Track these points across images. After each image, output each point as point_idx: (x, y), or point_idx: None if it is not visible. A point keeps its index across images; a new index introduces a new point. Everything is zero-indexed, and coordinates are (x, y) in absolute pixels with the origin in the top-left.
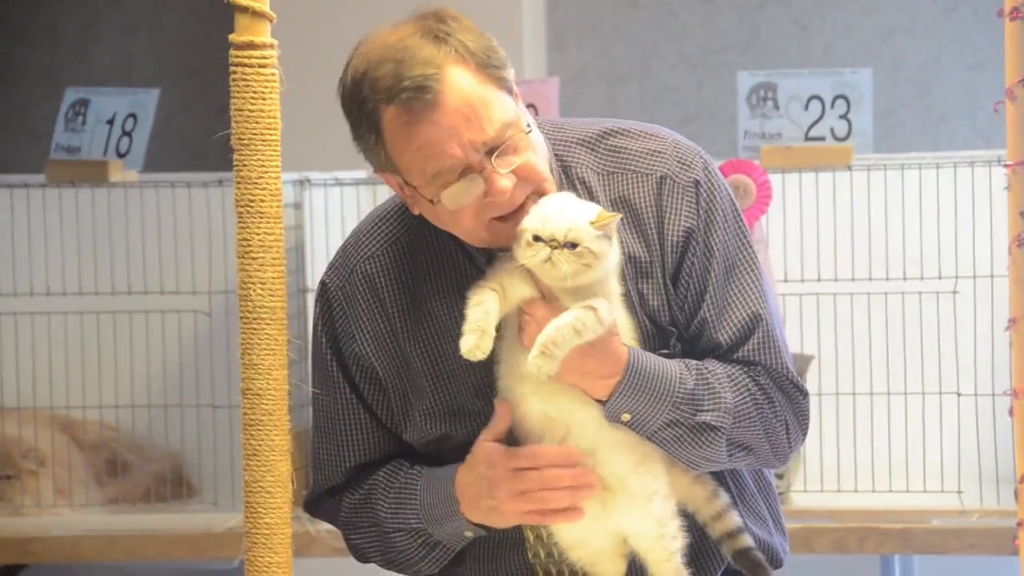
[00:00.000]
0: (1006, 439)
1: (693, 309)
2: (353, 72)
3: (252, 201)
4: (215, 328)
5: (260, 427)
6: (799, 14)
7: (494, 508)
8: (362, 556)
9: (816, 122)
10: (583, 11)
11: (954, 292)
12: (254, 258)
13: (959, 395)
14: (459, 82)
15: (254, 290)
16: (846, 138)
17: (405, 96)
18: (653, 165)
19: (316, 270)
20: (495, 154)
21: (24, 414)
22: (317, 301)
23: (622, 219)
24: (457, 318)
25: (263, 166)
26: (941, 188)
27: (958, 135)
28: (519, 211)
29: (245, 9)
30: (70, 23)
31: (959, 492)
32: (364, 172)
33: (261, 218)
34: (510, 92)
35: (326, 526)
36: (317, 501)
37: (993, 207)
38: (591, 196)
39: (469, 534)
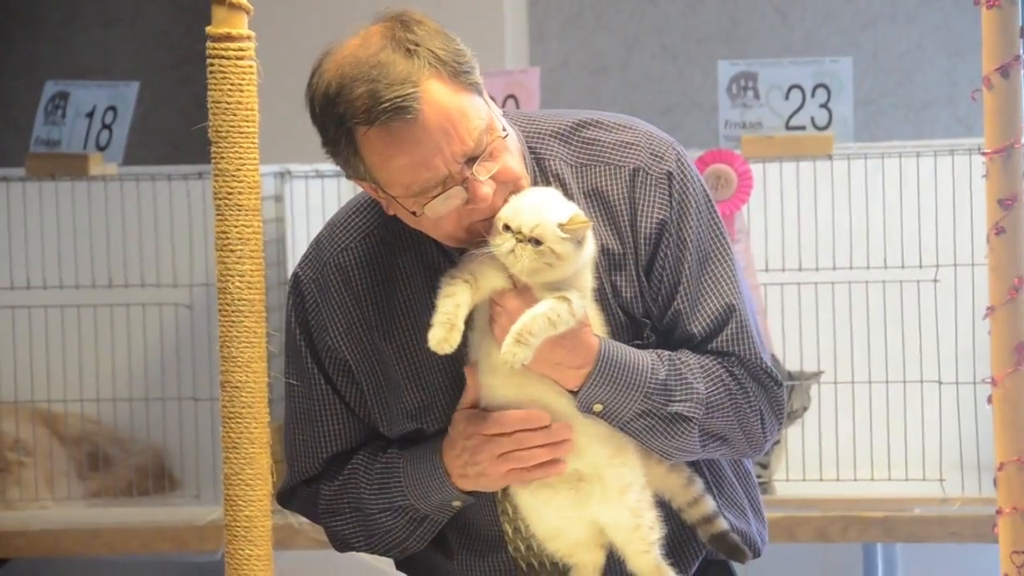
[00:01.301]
0: (987, 427)
1: (667, 301)
2: (326, 88)
3: (230, 194)
4: (196, 321)
5: (239, 420)
6: (780, 3)
7: (481, 473)
8: (343, 543)
9: (796, 111)
10: (564, 1)
11: (935, 280)
12: (232, 251)
13: (940, 383)
14: (437, 97)
15: (233, 283)
16: (826, 127)
17: (385, 118)
18: (626, 157)
19: (296, 263)
20: (476, 162)
21: (5, 408)
22: (290, 294)
23: (596, 211)
24: (431, 312)
25: (241, 159)
26: (922, 176)
27: (940, 123)
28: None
29: (222, 1)
30: (50, 16)
31: (941, 480)
32: None
33: (239, 211)
34: (480, 93)
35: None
36: (291, 492)
37: (973, 195)
38: (565, 189)
39: (457, 504)
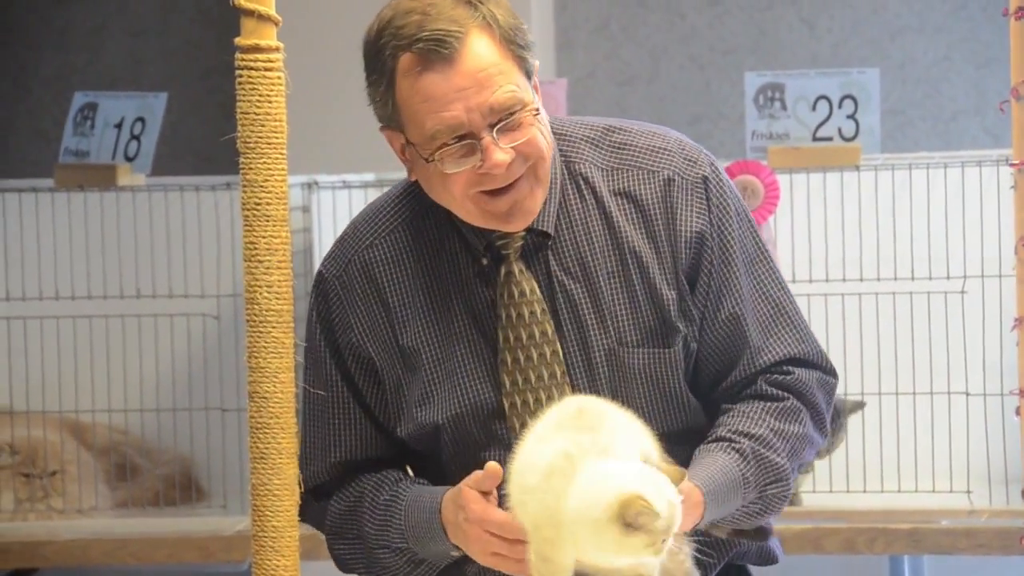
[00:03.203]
0: (1014, 439)
1: (715, 306)
2: (379, 20)
3: (258, 204)
4: (223, 331)
5: (267, 430)
6: (807, 14)
7: (471, 551)
8: (344, 566)
9: (824, 122)
10: (591, 12)
11: (962, 292)
12: (260, 261)
13: (968, 395)
14: (478, 46)
15: (260, 293)
16: (854, 138)
17: (423, 46)
18: (659, 162)
19: (321, 261)
20: (498, 126)
21: (33, 418)
22: (313, 292)
23: (626, 212)
24: (455, 311)
25: (269, 169)
26: (949, 188)
27: (968, 134)
28: (511, 188)
29: (251, 12)
30: (79, 27)
31: (968, 492)
32: (372, 174)
33: (267, 221)
34: (528, 76)
35: None
36: (304, 503)
37: (1001, 206)
38: (593, 191)
39: (456, 554)
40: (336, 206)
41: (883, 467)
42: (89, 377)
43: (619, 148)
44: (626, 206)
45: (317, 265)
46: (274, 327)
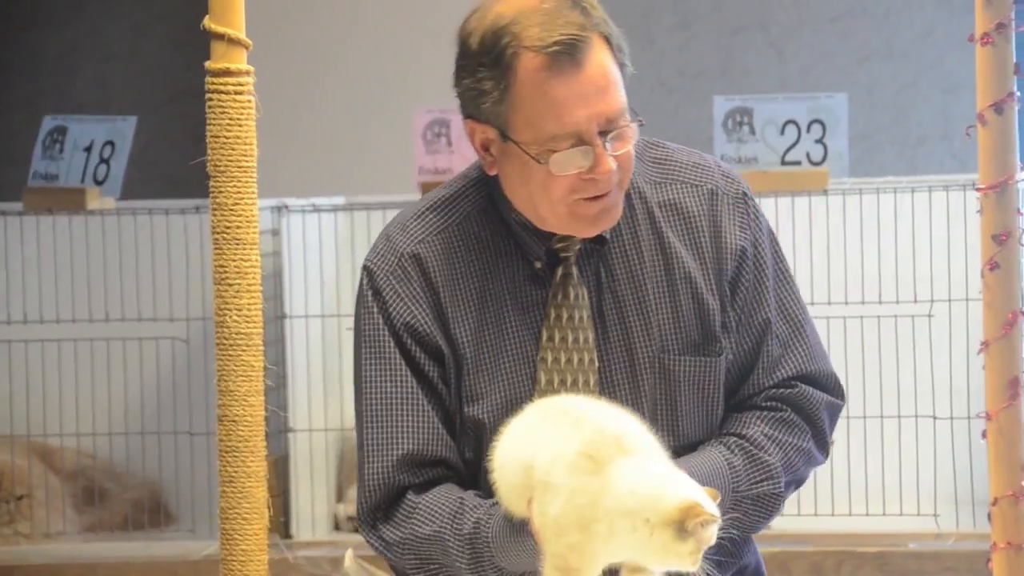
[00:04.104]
0: (981, 462)
1: (748, 317)
2: (497, 17)
3: (228, 228)
4: (193, 355)
5: (236, 454)
6: (775, 39)
7: None
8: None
9: (792, 146)
10: None
11: (929, 316)
12: (230, 285)
13: (935, 418)
14: (600, 55)
15: (230, 317)
16: (822, 162)
17: (553, 50)
18: (701, 177)
19: (294, 296)
20: (610, 136)
21: (0, 442)
22: (364, 288)
23: (672, 223)
24: (506, 310)
25: (239, 193)
26: (916, 212)
27: (934, 158)
28: (605, 195)
29: (221, 36)
30: (48, 51)
31: (935, 515)
32: (342, 198)
33: (237, 245)
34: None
35: (304, 552)
36: (372, 514)
37: (968, 231)
38: (643, 202)
39: None
40: (306, 229)
41: (851, 490)
42: (57, 401)
43: (661, 162)
44: (672, 218)
45: (287, 288)
46: (244, 350)
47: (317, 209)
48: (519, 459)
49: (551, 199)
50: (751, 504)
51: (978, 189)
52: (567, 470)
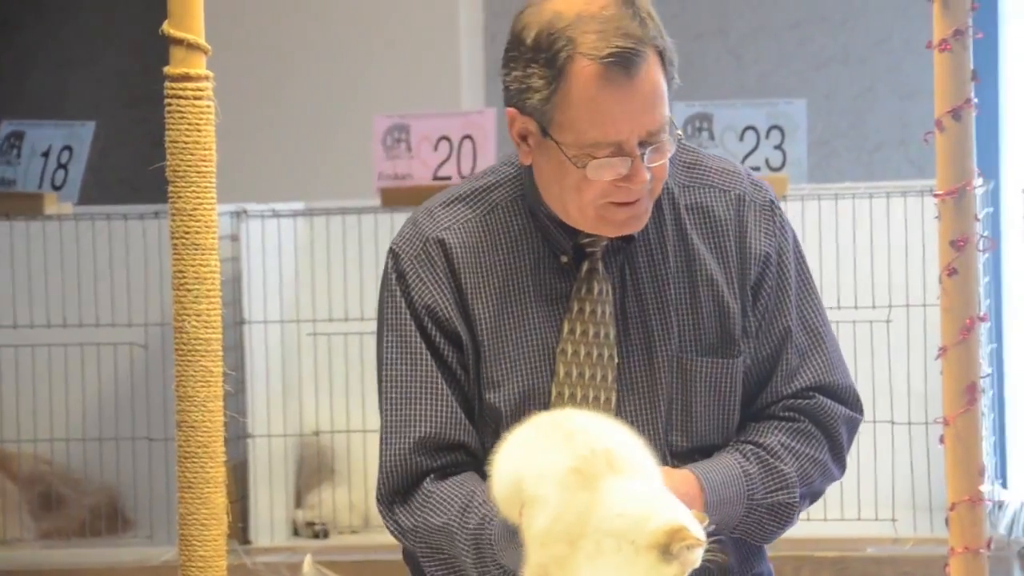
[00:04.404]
0: (939, 467)
1: (769, 325)
2: (554, 17)
3: (187, 233)
4: (151, 360)
5: (195, 459)
6: (734, 45)
7: None
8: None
9: (751, 152)
10: None
11: (888, 321)
12: (189, 290)
13: (893, 423)
14: (653, 70)
15: (189, 322)
16: (781, 168)
17: (608, 60)
18: (730, 182)
19: (253, 302)
20: (649, 148)
21: None
22: (389, 271)
23: (698, 226)
24: (528, 301)
25: (198, 198)
26: (874, 217)
27: (892, 164)
28: (633, 203)
29: (180, 41)
30: (6, 55)
31: (893, 520)
32: (301, 203)
33: (196, 250)
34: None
35: (263, 558)
36: (390, 497)
37: (925, 236)
38: (672, 203)
39: None
40: (265, 234)
41: None
42: (14, 406)
43: (691, 167)
44: (699, 221)
45: (245, 293)
46: (203, 356)
47: (276, 214)
48: (511, 471)
49: (582, 200)
50: (765, 513)
51: (936, 195)
52: (556, 484)
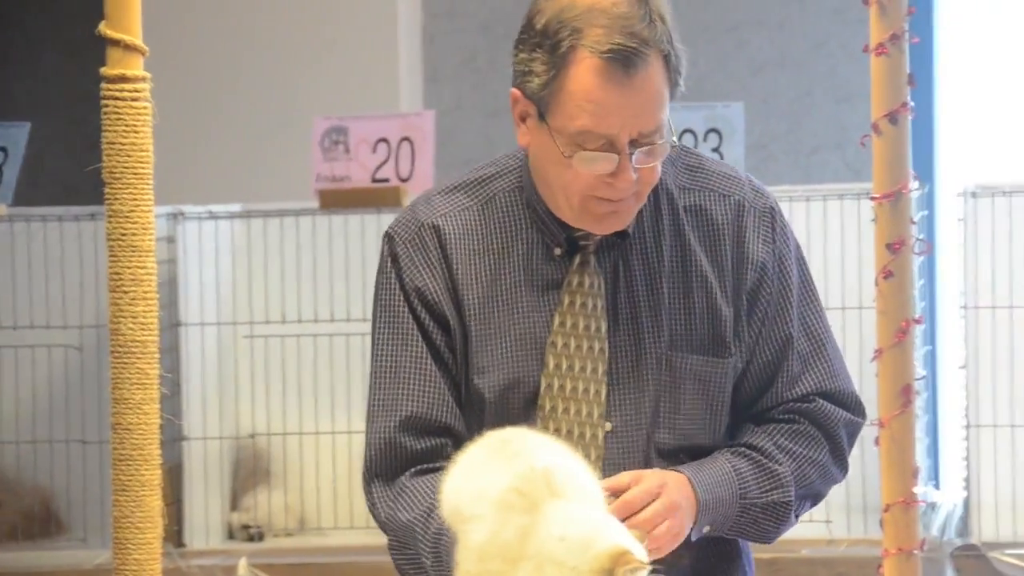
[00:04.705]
0: (872, 469)
1: (769, 332)
2: (567, 7)
3: (124, 235)
4: (86, 363)
5: (130, 462)
6: None
7: None
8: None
9: None
10: (459, 45)
11: None
12: (125, 292)
13: None
14: (654, 72)
15: (125, 324)
16: None
17: (608, 56)
18: (730, 187)
19: (189, 304)
20: (640, 149)
21: None
22: (385, 255)
23: (696, 228)
24: (519, 290)
25: (135, 199)
26: (811, 221)
27: (829, 168)
28: (618, 202)
29: (117, 43)
30: None
31: (827, 522)
32: (239, 205)
33: (133, 252)
34: (669, 103)
35: (198, 561)
36: (373, 474)
37: (861, 239)
38: (670, 203)
39: None
40: (202, 236)
41: None
42: None
43: (693, 169)
44: (697, 223)
45: (182, 296)
46: (139, 358)
47: (213, 216)
48: (454, 489)
49: (568, 190)
50: (760, 512)
51: (873, 198)
52: (495, 503)
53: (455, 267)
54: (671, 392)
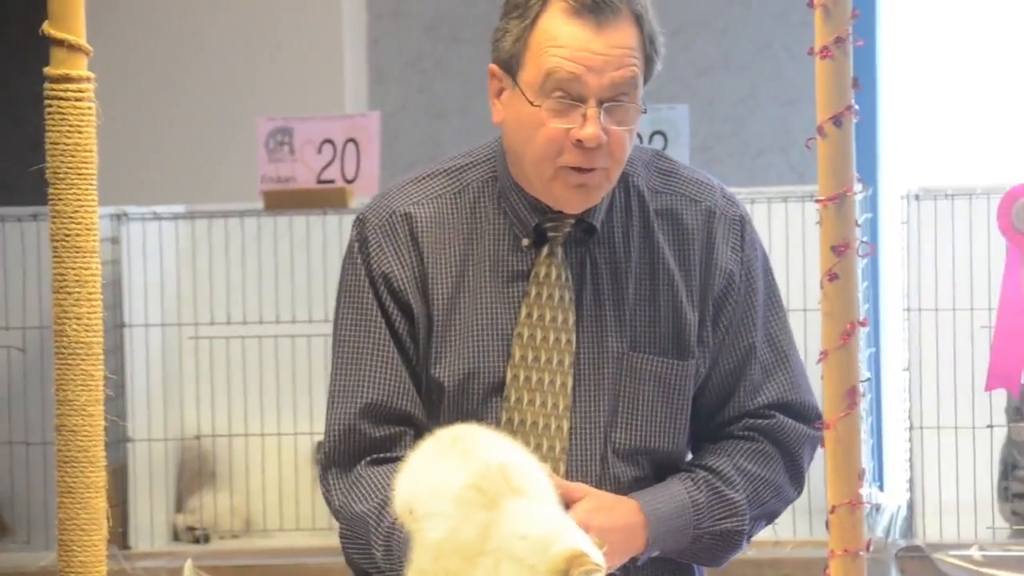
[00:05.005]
0: (819, 471)
1: (734, 339)
2: None
3: (68, 236)
4: (29, 364)
5: (75, 464)
6: None
7: None
8: (358, 570)
9: None
10: (405, 46)
11: None
12: (69, 293)
13: None
14: (627, 27)
15: (69, 326)
16: None
17: (578, 4)
18: (702, 194)
19: (133, 305)
20: (607, 104)
21: None
22: (353, 239)
23: (666, 232)
24: (485, 279)
25: (79, 200)
26: (756, 222)
27: (773, 170)
28: (587, 172)
29: (61, 42)
30: None
31: (773, 523)
32: (183, 206)
33: (77, 253)
34: (645, 81)
35: (143, 563)
36: (331, 460)
37: (807, 241)
38: (641, 205)
39: None
40: (146, 237)
41: None
42: None
43: (667, 174)
44: (667, 226)
45: (126, 297)
46: (83, 359)
47: (157, 217)
48: (407, 486)
49: (538, 156)
50: (711, 539)
51: (818, 201)
52: (454, 500)
53: (425, 256)
54: (631, 392)
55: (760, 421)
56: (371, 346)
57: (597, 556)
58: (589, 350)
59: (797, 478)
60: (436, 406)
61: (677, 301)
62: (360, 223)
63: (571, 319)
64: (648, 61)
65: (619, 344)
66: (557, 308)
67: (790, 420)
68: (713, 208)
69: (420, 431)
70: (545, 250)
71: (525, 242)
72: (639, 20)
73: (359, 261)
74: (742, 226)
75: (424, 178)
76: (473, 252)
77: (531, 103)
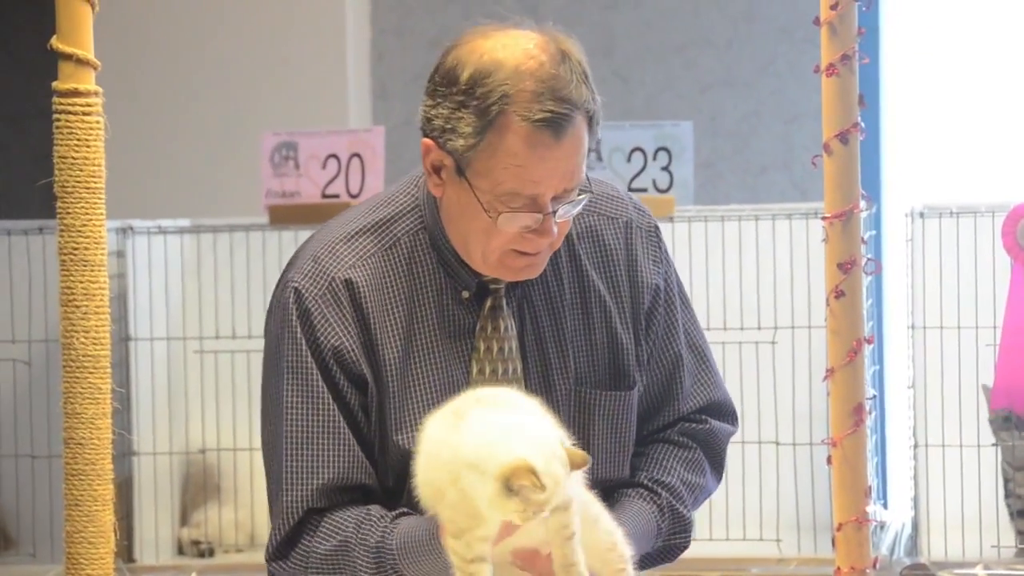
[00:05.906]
0: (823, 487)
1: (662, 351)
2: (492, 64)
3: (76, 249)
4: (35, 377)
5: (82, 477)
6: (620, 67)
7: None
8: None
9: (638, 174)
10: (408, 61)
11: (773, 343)
12: (77, 306)
13: (778, 444)
14: (578, 134)
15: (77, 339)
16: (668, 190)
17: (539, 124)
18: (616, 209)
19: (138, 318)
20: (563, 204)
21: None
22: (290, 308)
23: (591, 254)
24: (433, 338)
25: (87, 214)
26: (760, 239)
27: (776, 187)
28: (536, 255)
29: (69, 56)
30: None
31: (778, 541)
32: (187, 220)
33: (85, 266)
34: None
35: None
36: (286, 545)
37: (810, 258)
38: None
39: None
40: (151, 251)
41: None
42: None
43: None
44: (591, 248)
45: (131, 310)
46: (91, 372)
47: (163, 231)
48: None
49: (487, 246)
50: (656, 552)
51: (824, 218)
52: (433, 425)
53: (371, 323)
54: (582, 428)
55: (694, 426)
56: (321, 424)
57: (548, 476)
58: (538, 391)
59: (718, 476)
60: (402, 470)
61: (611, 326)
62: (297, 294)
63: (519, 367)
64: (592, 138)
65: (564, 382)
66: (507, 360)
67: (718, 423)
68: (629, 222)
69: (376, 498)
70: (489, 302)
71: (465, 294)
72: (591, 118)
73: (299, 335)
74: (657, 236)
75: (351, 237)
76: (417, 310)
77: (486, 211)
